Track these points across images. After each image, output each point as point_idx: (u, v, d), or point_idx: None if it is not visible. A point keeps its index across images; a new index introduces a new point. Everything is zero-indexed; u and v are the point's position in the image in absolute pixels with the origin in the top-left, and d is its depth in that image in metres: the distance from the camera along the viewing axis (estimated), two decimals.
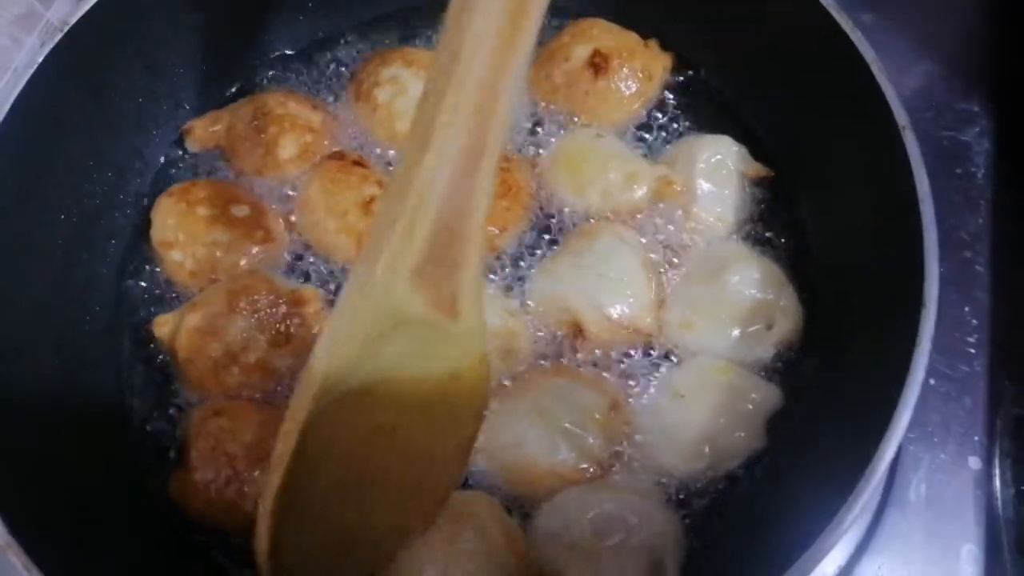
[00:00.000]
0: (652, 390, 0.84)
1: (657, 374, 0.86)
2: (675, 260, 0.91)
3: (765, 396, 0.83)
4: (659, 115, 1.00)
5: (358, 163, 0.93)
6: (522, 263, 0.91)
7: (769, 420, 0.83)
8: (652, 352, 0.87)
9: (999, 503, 0.96)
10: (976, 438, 0.98)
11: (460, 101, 0.53)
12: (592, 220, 0.92)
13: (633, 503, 0.74)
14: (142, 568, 0.78)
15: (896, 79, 1.20)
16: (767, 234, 0.93)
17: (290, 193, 0.96)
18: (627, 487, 0.77)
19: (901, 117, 0.74)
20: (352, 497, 0.66)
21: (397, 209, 0.55)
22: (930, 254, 0.69)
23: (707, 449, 0.80)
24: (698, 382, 0.83)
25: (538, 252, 0.92)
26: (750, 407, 0.81)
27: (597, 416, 0.79)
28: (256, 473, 0.79)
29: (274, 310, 0.86)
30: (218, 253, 0.91)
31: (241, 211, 0.92)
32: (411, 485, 0.68)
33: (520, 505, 0.79)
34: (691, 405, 0.81)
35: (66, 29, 0.83)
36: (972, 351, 1.03)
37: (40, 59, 0.82)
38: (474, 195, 0.55)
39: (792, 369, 0.86)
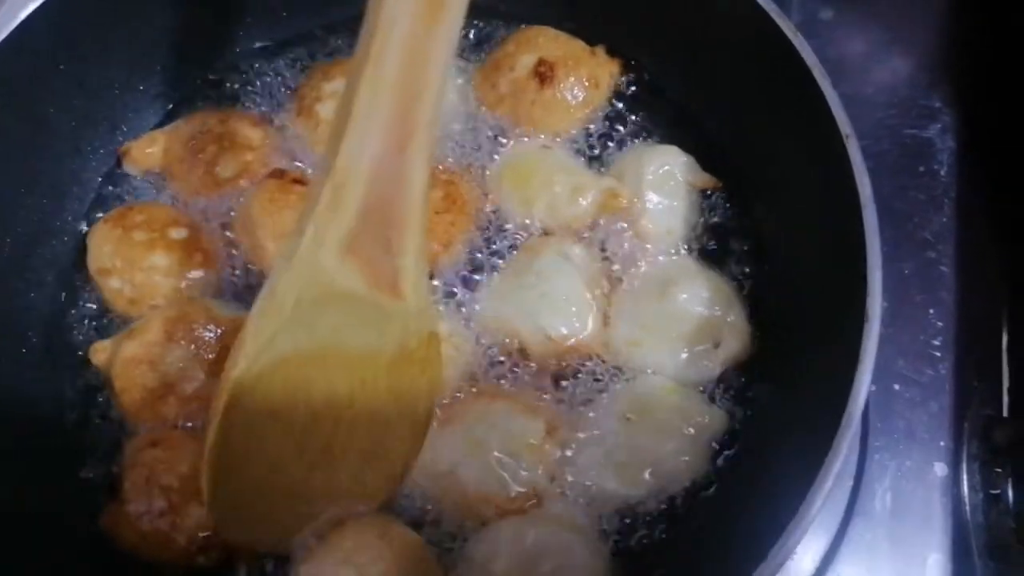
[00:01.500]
0: (599, 412, 0.82)
1: (604, 395, 0.84)
2: (623, 275, 0.89)
3: (712, 419, 0.81)
4: (608, 123, 0.98)
5: (298, 181, 0.91)
6: (468, 281, 0.89)
7: (716, 443, 0.81)
8: (597, 372, 0.85)
9: (967, 508, 0.94)
10: (942, 443, 0.97)
11: (381, 71, 0.53)
12: (538, 234, 0.90)
13: (562, 539, 0.73)
14: None
15: (857, 75, 1.21)
16: (718, 246, 0.91)
17: (231, 213, 0.93)
18: (559, 519, 0.75)
19: (844, 125, 0.72)
20: (303, 457, 0.68)
21: (319, 184, 0.57)
22: (873, 266, 0.67)
23: (648, 475, 0.78)
24: (645, 404, 0.81)
25: (483, 269, 0.90)
26: (695, 431, 0.80)
27: (532, 442, 0.77)
28: (191, 506, 0.77)
29: (212, 339, 0.84)
30: (157, 278, 0.88)
31: (180, 234, 0.90)
32: (367, 454, 0.70)
33: (462, 531, 0.77)
34: (637, 428, 0.79)
35: None
36: (938, 354, 1.01)
37: None
38: (407, 172, 0.56)
39: (740, 387, 0.84)
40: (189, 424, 0.83)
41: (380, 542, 0.70)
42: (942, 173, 1.12)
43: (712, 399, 0.84)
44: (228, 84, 1.03)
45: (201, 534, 0.77)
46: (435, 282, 0.87)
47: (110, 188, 0.98)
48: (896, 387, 0.98)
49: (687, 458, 0.79)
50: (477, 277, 0.89)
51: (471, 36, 1.04)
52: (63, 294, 0.92)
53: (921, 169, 1.12)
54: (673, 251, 0.90)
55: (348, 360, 0.63)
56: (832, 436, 0.63)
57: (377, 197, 0.56)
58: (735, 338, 0.84)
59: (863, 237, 0.68)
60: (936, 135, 1.14)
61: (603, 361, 0.85)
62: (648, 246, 0.90)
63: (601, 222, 0.91)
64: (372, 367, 0.64)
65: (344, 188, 0.56)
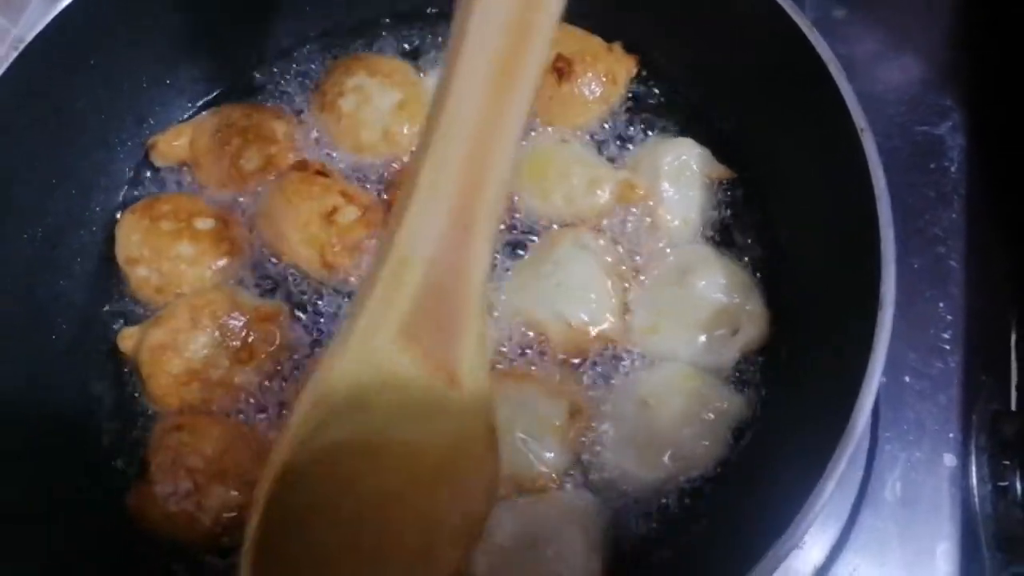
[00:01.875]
0: (619, 396, 0.84)
1: (624, 381, 0.85)
2: (641, 264, 0.91)
3: (730, 404, 0.82)
4: (624, 118, 0.99)
5: (320, 172, 0.93)
6: (495, 267, 0.90)
7: (734, 429, 0.82)
8: (619, 357, 0.86)
9: (976, 500, 0.95)
10: (951, 435, 0.98)
11: (449, 148, 0.51)
12: (556, 226, 0.92)
13: (568, 530, 0.74)
14: None
15: (869, 73, 1.22)
16: (734, 237, 0.93)
17: (254, 205, 0.95)
18: (571, 507, 0.77)
19: (859, 119, 0.73)
20: (351, 554, 0.65)
21: (381, 265, 0.54)
22: (887, 256, 0.68)
23: (668, 459, 0.79)
24: (664, 389, 0.82)
25: (504, 257, 0.91)
26: (714, 416, 0.81)
27: (556, 423, 0.78)
28: (215, 487, 0.79)
29: (237, 326, 0.86)
30: (183, 267, 0.90)
31: (206, 224, 0.92)
32: (417, 555, 0.65)
33: None
34: (656, 413, 0.80)
35: (21, 47, 0.83)
36: (947, 347, 1.02)
37: None
38: (469, 255, 0.53)
39: (757, 373, 0.86)
40: (215, 409, 0.85)
41: None
42: (952, 170, 1.13)
43: (730, 384, 0.85)
44: (253, 79, 1.05)
45: (225, 514, 0.79)
46: None
47: (138, 180, 1.00)
48: (906, 379, 1.00)
49: (707, 443, 0.80)
50: (497, 265, 0.90)
51: None
52: (92, 284, 0.94)
53: (932, 166, 1.13)
54: (690, 240, 0.92)
55: (400, 453, 0.60)
56: (845, 422, 0.64)
57: (438, 280, 0.53)
58: (753, 324, 0.85)
59: (878, 228, 0.69)
60: (947, 133, 1.15)
61: (624, 348, 0.86)
62: (665, 235, 0.91)
63: (618, 213, 0.92)
64: (425, 462, 0.60)
65: (404, 269, 0.53)
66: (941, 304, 1.05)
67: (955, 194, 1.12)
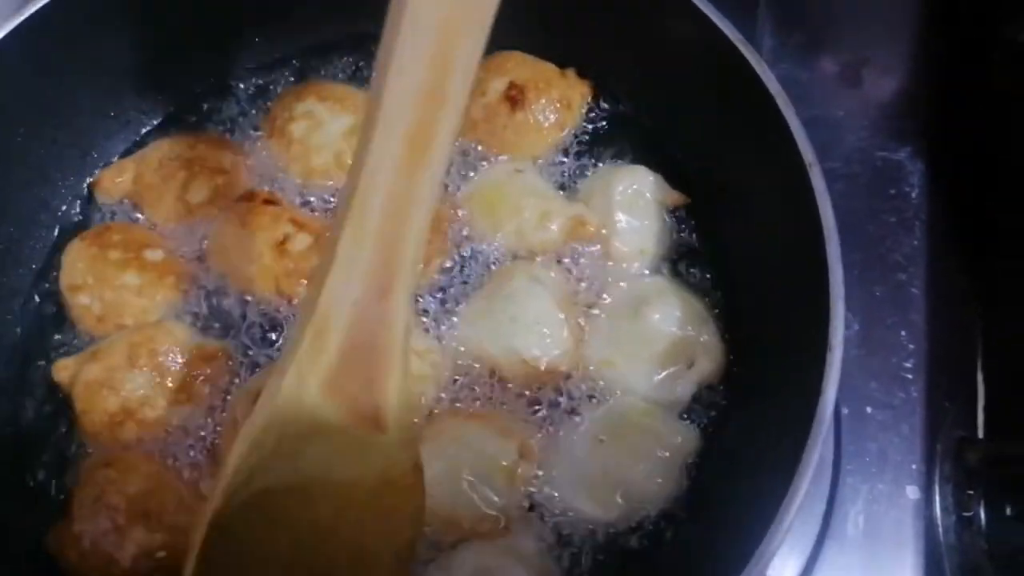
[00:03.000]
0: (572, 434, 0.82)
1: (577, 417, 0.83)
2: (596, 296, 0.89)
3: (684, 440, 0.81)
4: (580, 144, 0.98)
5: (269, 201, 0.91)
6: (442, 300, 0.89)
7: (688, 465, 0.81)
8: (571, 394, 0.85)
9: (940, 530, 0.94)
10: (914, 466, 0.97)
11: (364, 219, 0.53)
12: (509, 258, 0.90)
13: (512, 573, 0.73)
14: None
15: (829, 98, 1.22)
16: (689, 267, 0.91)
17: (203, 238, 0.93)
18: (520, 551, 0.75)
19: (808, 154, 0.72)
20: None
21: (302, 327, 0.57)
22: (835, 296, 0.67)
23: (620, 497, 0.78)
24: (617, 425, 0.81)
25: (455, 291, 0.90)
26: (669, 453, 0.79)
27: (504, 463, 0.77)
28: (136, 528, 0.77)
29: (176, 366, 0.84)
30: (127, 296, 0.88)
31: (155, 255, 0.90)
32: None
33: (437, 548, 0.77)
34: (609, 450, 0.79)
35: None
36: (909, 376, 1.01)
37: None
38: (389, 314, 0.56)
39: (713, 406, 0.85)
40: (150, 448, 0.83)
41: None
42: (913, 195, 1.13)
43: (684, 418, 0.84)
44: (198, 107, 1.03)
45: (143, 559, 0.76)
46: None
47: (80, 216, 0.97)
48: (868, 410, 0.99)
49: (660, 480, 0.78)
50: (449, 298, 0.89)
51: None
52: (30, 318, 0.92)
53: (892, 191, 1.13)
54: (645, 271, 0.90)
55: (330, 490, 0.63)
56: (799, 457, 0.63)
57: (359, 339, 0.56)
58: (708, 358, 0.84)
59: (827, 267, 0.68)
60: (906, 158, 1.15)
61: (578, 383, 0.85)
62: (620, 266, 0.90)
63: (572, 244, 0.91)
64: (354, 496, 0.64)
65: (326, 330, 0.56)
66: (903, 332, 1.04)
67: (916, 220, 1.11)
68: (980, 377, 1.04)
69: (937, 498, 0.96)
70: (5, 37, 0.83)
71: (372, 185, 0.53)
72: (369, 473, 0.63)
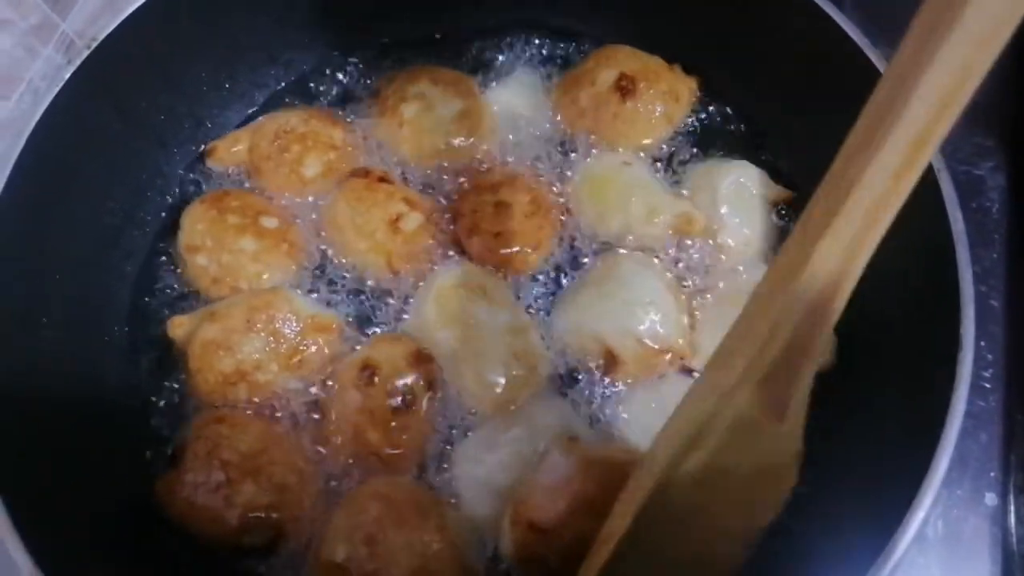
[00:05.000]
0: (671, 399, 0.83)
1: (683, 382, 0.84)
2: (705, 285, 0.90)
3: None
4: (686, 138, 0.99)
5: (383, 179, 0.93)
6: (547, 285, 0.91)
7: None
8: (691, 372, 0.86)
9: (1014, 539, 0.96)
10: (992, 474, 0.98)
11: (839, 240, 0.54)
12: (614, 247, 0.92)
13: None
14: (143, 572, 0.78)
15: None
16: None
17: (315, 211, 0.95)
18: None
19: (935, 159, 0.73)
20: (649, 569, 0.68)
21: (759, 323, 0.57)
22: (966, 297, 0.68)
23: None
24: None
25: (562, 278, 0.92)
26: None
27: None
28: (247, 484, 0.78)
29: (291, 333, 0.86)
30: (243, 261, 0.90)
31: (271, 223, 0.92)
32: (697, 562, 0.69)
33: None
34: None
35: (94, 46, 0.83)
36: (988, 386, 1.03)
37: (67, 75, 0.82)
38: (827, 317, 0.55)
39: (821, 400, 0.85)
40: (256, 409, 0.85)
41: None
42: (993, 210, 1.14)
43: None
44: (309, 84, 1.05)
45: (251, 514, 0.78)
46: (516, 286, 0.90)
47: (192, 182, 0.99)
48: None
49: None
50: (554, 284, 0.91)
51: (545, 53, 1.06)
52: (145, 278, 0.94)
53: (973, 205, 1.14)
54: (752, 262, 0.92)
55: (720, 475, 0.63)
56: (926, 467, 0.64)
57: (799, 336, 0.56)
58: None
59: (956, 269, 0.69)
60: (988, 173, 1.17)
61: (691, 366, 0.86)
62: (727, 259, 0.91)
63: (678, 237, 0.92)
64: (733, 481, 0.64)
65: (780, 329, 0.55)
66: (982, 343, 1.05)
67: (996, 234, 1.13)
68: None
69: (1012, 507, 0.97)
70: (141, 8, 0.86)
71: (863, 192, 0.53)
72: (751, 459, 0.62)
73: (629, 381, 0.85)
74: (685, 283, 0.90)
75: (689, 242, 0.92)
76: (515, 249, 0.90)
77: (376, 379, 0.82)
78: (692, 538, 0.67)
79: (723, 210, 0.92)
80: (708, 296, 0.89)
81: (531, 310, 0.90)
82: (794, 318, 0.55)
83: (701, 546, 0.68)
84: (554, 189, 0.95)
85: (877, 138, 0.51)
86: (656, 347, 0.84)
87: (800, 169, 0.96)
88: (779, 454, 0.63)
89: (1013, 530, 0.96)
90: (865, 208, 0.53)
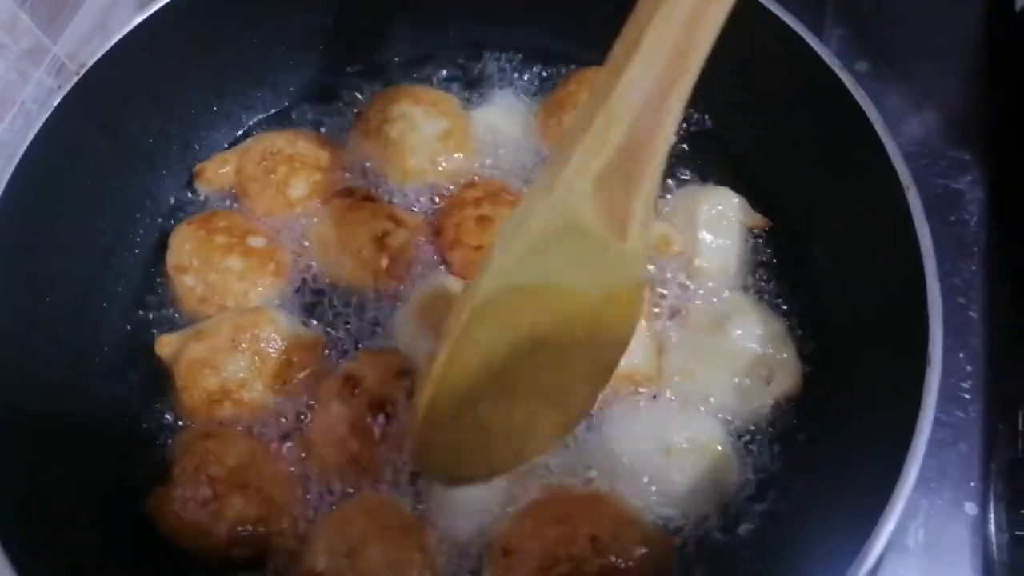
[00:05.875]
0: (640, 432, 0.85)
1: (652, 418, 0.86)
2: (677, 310, 0.92)
3: (737, 481, 0.84)
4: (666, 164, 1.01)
5: (367, 198, 0.95)
6: None
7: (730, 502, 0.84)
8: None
9: (994, 548, 0.97)
10: (972, 483, 0.99)
11: (673, 13, 0.54)
12: None
13: None
14: None
15: (891, 127, 1.23)
16: (770, 287, 0.94)
17: (302, 231, 0.97)
18: None
19: (905, 176, 0.75)
20: (497, 398, 0.67)
21: (592, 115, 0.56)
22: (934, 313, 0.70)
23: (668, 507, 0.82)
24: (689, 448, 0.84)
25: None
26: (725, 488, 0.83)
27: None
28: (234, 498, 0.80)
29: (275, 352, 0.87)
30: (230, 280, 0.92)
31: (258, 242, 0.94)
32: (550, 398, 0.69)
33: None
34: (672, 465, 0.82)
35: (84, 70, 0.85)
36: (967, 397, 1.04)
37: (57, 100, 0.84)
38: (664, 115, 0.56)
39: (790, 425, 0.87)
40: (241, 426, 0.86)
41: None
42: (972, 223, 1.16)
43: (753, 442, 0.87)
44: (296, 106, 1.08)
45: (239, 527, 0.80)
46: None
47: (182, 204, 1.01)
48: None
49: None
50: None
51: (529, 73, 1.09)
52: (135, 298, 0.96)
53: (952, 219, 1.16)
54: (727, 289, 0.93)
55: (557, 298, 0.62)
56: (894, 480, 0.66)
57: (634, 138, 0.55)
58: (787, 375, 0.87)
59: (925, 286, 0.71)
60: (966, 186, 1.18)
61: (656, 390, 0.88)
62: (702, 283, 0.93)
63: (655, 259, 0.93)
64: (577, 308, 0.62)
65: (613, 123, 0.55)
66: (961, 354, 1.06)
67: (975, 246, 1.14)
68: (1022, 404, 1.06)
69: (992, 516, 0.98)
70: (131, 33, 0.88)
71: None
72: (596, 285, 0.62)
73: (599, 407, 0.86)
74: (657, 306, 0.92)
75: (664, 264, 0.94)
76: None
77: (357, 391, 0.83)
78: (543, 372, 0.66)
79: (701, 234, 0.93)
80: (680, 318, 0.91)
81: None
82: (628, 112, 0.55)
83: (552, 382, 0.67)
84: None
85: None
86: (625, 371, 0.84)
87: (779, 191, 0.97)
88: (625, 279, 0.63)
89: (993, 538, 0.97)
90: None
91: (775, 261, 0.95)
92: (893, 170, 0.76)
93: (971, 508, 0.98)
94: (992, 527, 0.98)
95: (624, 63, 0.55)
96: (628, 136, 0.56)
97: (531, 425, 0.70)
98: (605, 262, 0.61)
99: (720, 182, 0.99)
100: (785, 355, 0.88)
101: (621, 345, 0.68)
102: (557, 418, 0.72)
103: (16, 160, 0.81)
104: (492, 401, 0.66)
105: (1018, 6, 1.24)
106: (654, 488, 0.83)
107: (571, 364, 0.67)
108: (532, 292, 0.61)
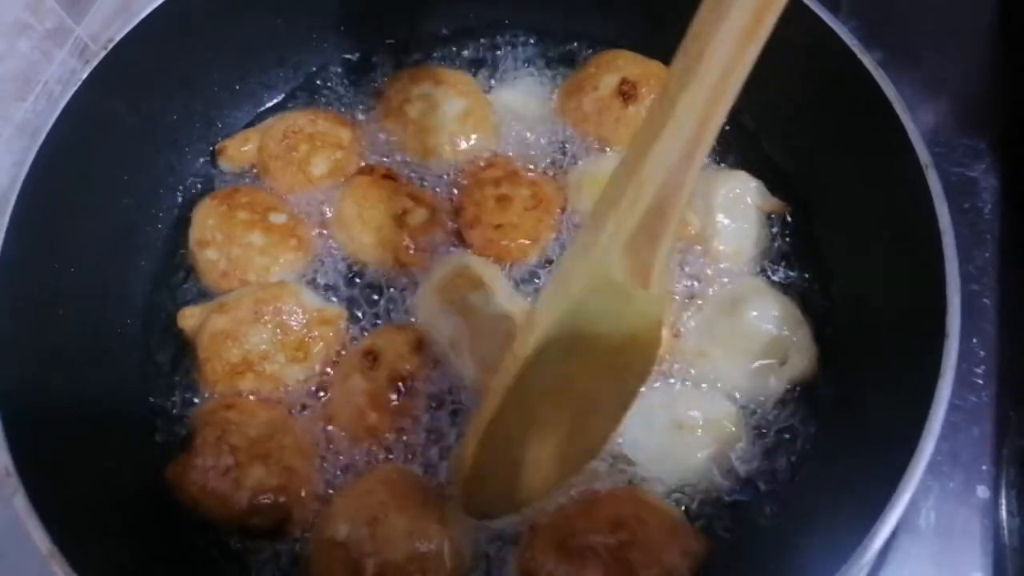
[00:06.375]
0: (656, 404, 0.86)
1: (667, 392, 0.88)
2: (694, 291, 0.93)
3: (749, 455, 0.85)
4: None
5: (388, 176, 0.96)
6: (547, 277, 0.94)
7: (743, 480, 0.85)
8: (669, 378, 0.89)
9: (1005, 532, 0.97)
10: (984, 467, 1.00)
11: (696, 99, 0.58)
12: None
13: None
14: (156, 554, 0.81)
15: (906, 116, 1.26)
16: (787, 269, 0.95)
17: (323, 208, 0.98)
18: None
19: (924, 156, 0.76)
20: (529, 436, 0.71)
21: (625, 186, 0.61)
22: (952, 288, 0.71)
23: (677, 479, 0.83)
24: (701, 424, 0.85)
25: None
26: (731, 466, 0.85)
27: None
28: (255, 467, 0.81)
29: (297, 325, 0.89)
30: (252, 255, 0.93)
31: (279, 219, 0.95)
32: (576, 428, 0.73)
33: None
34: (683, 440, 0.84)
35: (108, 49, 0.86)
36: (980, 382, 1.04)
37: (84, 76, 0.85)
38: (686, 176, 0.59)
39: (805, 405, 0.88)
40: (261, 397, 0.87)
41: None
42: (985, 211, 1.16)
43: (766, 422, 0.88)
44: (317, 85, 1.09)
45: (260, 496, 0.81)
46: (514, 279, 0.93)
47: (203, 180, 1.03)
48: None
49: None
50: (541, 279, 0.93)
51: (548, 54, 1.10)
52: (157, 272, 0.97)
53: (966, 206, 1.16)
54: (743, 271, 0.94)
55: (585, 343, 0.66)
56: (908, 457, 0.66)
57: (660, 199, 0.60)
58: (801, 357, 0.88)
59: (943, 262, 0.71)
60: (980, 174, 1.19)
61: (672, 367, 0.89)
62: (719, 265, 0.93)
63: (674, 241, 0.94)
64: (602, 348, 0.67)
65: (643, 190, 0.59)
66: (975, 339, 1.07)
67: (988, 234, 1.14)
68: None
69: (1004, 500, 0.99)
70: (156, 10, 0.89)
71: (715, 56, 0.57)
72: (621, 328, 0.66)
73: None
74: (674, 289, 0.92)
75: (683, 246, 0.94)
76: (514, 241, 0.93)
77: (378, 364, 0.84)
78: (569, 407, 0.70)
79: (718, 217, 0.94)
80: (698, 302, 0.92)
81: (531, 301, 0.92)
82: (655, 181, 0.59)
83: (576, 416, 0.71)
84: (554, 185, 0.98)
85: (721, 11, 0.55)
86: None
87: (797, 174, 0.98)
88: (646, 320, 0.67)
89: (1004, 523, 0.98)
90: (716, 74, 0.57)
91: (791, 244, 0.96)
92: (912, 150, 0.77)
93: (983, 492, 0.99)
94: (1004, 512, 0.98)
95: (653, 139, 0.59)
96: (653, 202, 0.60)
97: (559, 455, 0.73)
98: (630, 308, 0.65)
99: (737, 166, 0.99)
100: (799, 337, 0.89)
101: (643, 376, 0.72)
102: (583, 445, 0.76)
103: (42, 138, 0.82)
104: (522, 440, 0.71)
105: None
106: (669, 462, 0.84)
107: (596, 397, 0.71)
108: (566, 342, 0.65)
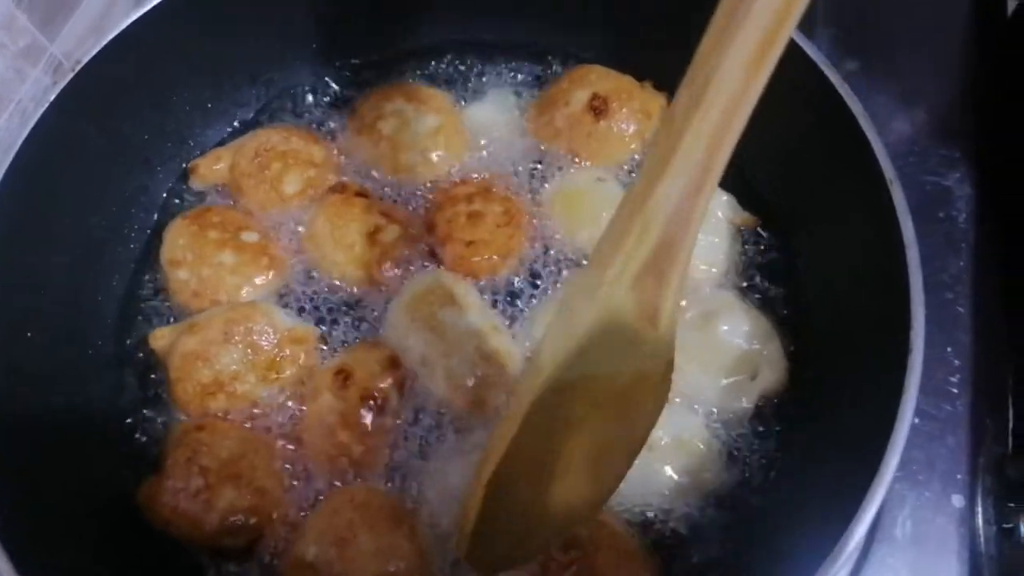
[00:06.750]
0: None
1: None
2: None
3: (720, 476, 0.86)
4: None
5: (360, 194, 0.96)
6: (515, 294, 0.94)
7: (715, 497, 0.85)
8: None
9: (982, 541, 0.98)
10: (959, 476, 1.00)
11: (703, 128, 0.56)
12: (582, 259, 0.95)
13: None
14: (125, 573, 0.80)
15: (881, 125, 1.25)
16: (757, 283, 0.95)
17: (295, 226, 0.98)
18: None
19: (888, 171, 0.76)
20: (536, 482, 0.69)
21: (631, 221, 0.59)
22: (916, 301, 0.71)
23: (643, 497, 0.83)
24: (671, 444, 0.85)
25: (530, 284, 0.94)
26: (707, 483, 0.85)
27: None
28: (226, 488, 0.81)
29: (268, 345, 0.88)
30: (223, 275, 0.93)
31: (250, 237, 0.95)
32: (584, 476, 0.70)
33: None
34: (650, 461, 0.84)
35: (78, 68, 0.85)
36: (955, 391, 1.05)
37: (53, 96, 0.84)
38: (696, 210, 0.58)
39: (775, 418, 0.88)
40: (233, 419, 0.87)
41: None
42: (960, 220, 1.17)
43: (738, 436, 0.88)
44: (289, 103, 1.09)
45: (231, 518, 0.81)
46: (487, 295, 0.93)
47: (176, 200, 1.02)
48: (915, 420, 1.01)
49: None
50: (521, 295, 0.94)
51: (520, 71, 1.10)
52: (128, 293, 0.97)
53: (940, 215, 1.17)
54: (714, 285, 0.94)
55: (593, 384, 0.65)
56: (876, 466, 0.67)
57: (666, 238, 0.58)
58: (772, 371, 0.88)
59: (907, 274, 0.72)
60: (955, 183, 1.19)
61: None
62: (690, 279, 0.93)
63: None
64: (610, 390, 0.65)
65: (649, 226, 0.58)
66: (949, 348, 1.07)
67: (963, 243, 1.15)
68: (1011, 399, 1.07)
69: (980, 509, 0.99)
70: (126, 30, 0.89)
71: (724, 81, 0.55)
72: (628, 369, 0.64)
73: None
74: None
75: None
76: (486, 257, 0.93)
77: (349, 384, 0.84)
78: (577, 452, 0.68)
79: None
80: None
81: (505, 316, 0.92)
82: (662, 216, 0.57)
83: (584, 462, 0.69)
84: (527, 201, 0.98)
85: (728, 36, 0.53)
86: None
87: (767, 188, 0.98)
88: (655, 361, 0.65)
89: (981, 531, 0.98)
90: (723, 102, 0.55)
91: (762, 258, 0.97)
92: (877, 165, 0.77)
93: (958, 500, 0.99)
94: (980, 520, 0.99)
95: (658, 176, 0.57)
96: (661, 237, 0.58)
97: (566, 503, 0.71)
98: (639, 349, 0.63)
99: None
100: (769, 351, 0.89)
101: (652, 419, 0.70)
102: (592, 491, 0.73)
103: (11, 156, 0.82)
104: (529, 490, 0.69)
105: (1009, 10, 1.26)
106: (637, 483, 0.84)
107: (604, 441, 0.69)
108: (572, 383, 0.64)
